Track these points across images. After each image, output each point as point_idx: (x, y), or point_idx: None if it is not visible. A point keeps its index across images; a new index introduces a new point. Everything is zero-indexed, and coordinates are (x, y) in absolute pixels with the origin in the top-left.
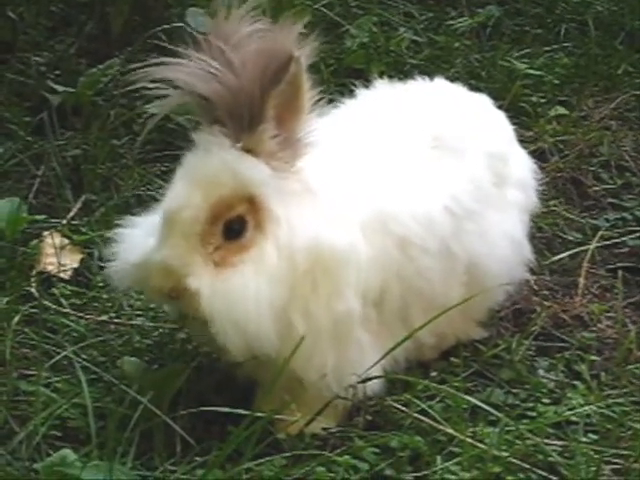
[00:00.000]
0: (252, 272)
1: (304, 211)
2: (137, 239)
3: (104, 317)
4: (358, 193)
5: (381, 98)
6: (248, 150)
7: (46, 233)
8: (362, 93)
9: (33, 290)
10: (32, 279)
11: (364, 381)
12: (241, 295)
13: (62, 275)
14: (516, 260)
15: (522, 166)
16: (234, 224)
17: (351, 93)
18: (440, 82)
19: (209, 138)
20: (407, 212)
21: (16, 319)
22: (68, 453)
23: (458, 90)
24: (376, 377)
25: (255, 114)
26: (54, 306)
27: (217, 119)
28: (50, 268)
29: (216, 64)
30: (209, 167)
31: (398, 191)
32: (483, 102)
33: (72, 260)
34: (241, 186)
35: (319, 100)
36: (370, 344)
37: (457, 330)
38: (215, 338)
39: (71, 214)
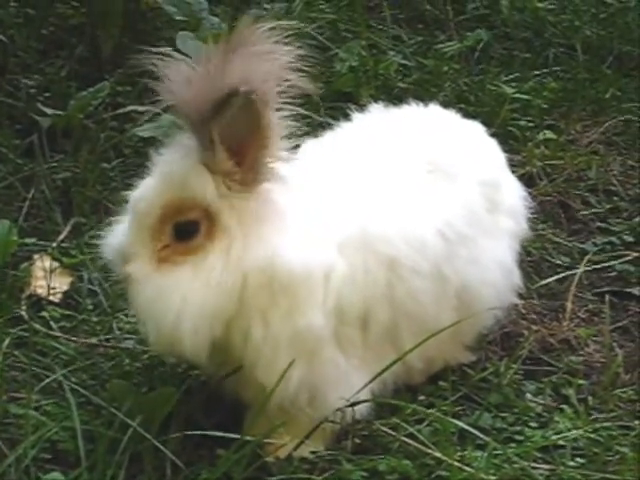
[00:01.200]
0: (188, 274)
1: (263, 231)
2: (116, 232)
3: (94, 340)
4: (339, 214)
5: (376, 122)
6: (206, 164)
7: (36, 256)
8: (357, 117)
9: (23, 313)
10: (22, 302)
11: (352, 405)
12: (169, 292)
13: (52, 298)
14: (506, 286)
15: (513, 193)
16: (185, 226)
17: (343, 116)
18: (434, 108)
19: (183, 142)
20: (396, 233)
21: (6, 342)
22: (57, 476)
23: (452, 117)
24: (364, 401)
25: (203, 137)
26: (44, 329)
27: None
28: (40, 291)
29: (181, 77)
30: (170, 168)
31: (387, 212)
32: (476, 129)
33: (62, 283)
34: (192, 195)
35: (298, 127)
36: (355, 367)
37: (446, 354)
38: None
39: (61, 237)
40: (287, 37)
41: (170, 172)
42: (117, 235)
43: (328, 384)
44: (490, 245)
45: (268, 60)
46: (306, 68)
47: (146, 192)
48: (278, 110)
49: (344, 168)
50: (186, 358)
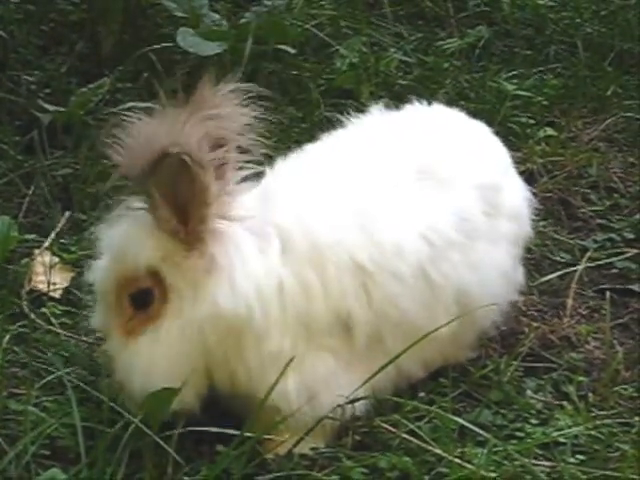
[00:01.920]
0: (149, 342)
1: (208, 285)
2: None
3: (94, 336)
4: (287, 227)
5: (374, 125)
6: (151, 227)
7: (37, 252)
8: (356, 120)
9: (25, 307)
10: (23, 298)
11: (351, 402)
12: (136, 364)
13: (53, 294)
14: (505, 289)
15: (516, 196)
16: (140, 295)
17: (342, 114)
18: (437, 108)
19: (125, 209)
20: (363, 240)
21: (6, 338)
22: (57, 472)
23: (456, 116)
24: (364, 398)
25: (145, 198)
26: (44, 325)
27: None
28: (41, 287)
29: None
30: (117, 240)
31: (363, 220)
32: (479, 130)
33: (63, 279)
34: (143, 260)
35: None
36: (344, 369)
37: (445, 355)
38: None
39: (56, 230)
40: (246, 99)
41: (115, 245)
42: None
43: (322, 384)
44: (489, 250)
45: (221, 123)
46: (262, 130)
47: (99, 272)
48: (221, 170)
49: (321, 176)
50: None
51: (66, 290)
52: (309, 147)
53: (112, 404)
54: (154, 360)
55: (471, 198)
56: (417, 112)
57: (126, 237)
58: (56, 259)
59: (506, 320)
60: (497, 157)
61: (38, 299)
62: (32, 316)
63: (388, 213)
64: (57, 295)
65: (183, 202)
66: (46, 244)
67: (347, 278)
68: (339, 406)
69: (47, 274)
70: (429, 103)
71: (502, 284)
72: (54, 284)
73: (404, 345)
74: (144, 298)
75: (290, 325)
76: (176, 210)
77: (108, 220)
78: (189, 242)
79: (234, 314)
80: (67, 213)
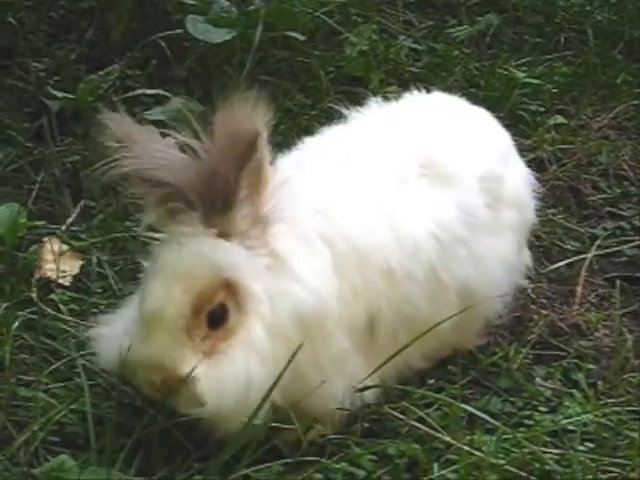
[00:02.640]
0: (242, 356)
1: (279, 283)
2: (115, 339)
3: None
4: (333, 229)
5: (371, 122)
6: (222, 234)
7: (45, 239)
8: (354, 116)
9: (33, 295)
10: (32, 285)
11: (361, 390)
12: (235, 381)
13: (61, 281)
14: (508, 279)
15: (519, 184)
16: (216, 313)
17: (351, 102)
18: (437, 96)
19: (181, 229)
20: (389, 243)
21: (15, 324)
22: (66, 459)
23: (454, 104)
24: (374, 386)
25: (229, 197)
26: (53, 312)
27: (181, 208)
28: (49, 274)
29: (178, 152)
30: (185, 261)
31: (380, 220)
32: (480, 116)
33: (72, 266)
34: (218, 273)
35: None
36: (361, 365)
37: (453, 342)
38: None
39: (70, 220)
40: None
41: (188, 264)
42: (116, 351)
43: (339, 374)
44: (491, 242)
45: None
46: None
47: (167, 297)
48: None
49: (337, 174)
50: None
51: (75, 277)
52: (310, 141)
53: (121, 389)
54: (253, 371)
55: (474, 191)
56: (416, 103)
57: (194, 255)
58: (65, 247)
59: (515, 307)
60: (498, 145)
61: (47, 286)
62: (41, 304)
63: (403, 213)
64: (66, 282)
65: (257, 190)
66: (58, 232)
67: (379, 280)
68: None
69: (56, 261)
70: (428, 91)
71: (505, 273)
72: (63, 272)
73: (411, 338)
74: (220, 315)
75: (345, 327)
76: (251, 200)
77: (160, 246)
78: (258, 237)
79: (314, 311)
80: (82, 202)
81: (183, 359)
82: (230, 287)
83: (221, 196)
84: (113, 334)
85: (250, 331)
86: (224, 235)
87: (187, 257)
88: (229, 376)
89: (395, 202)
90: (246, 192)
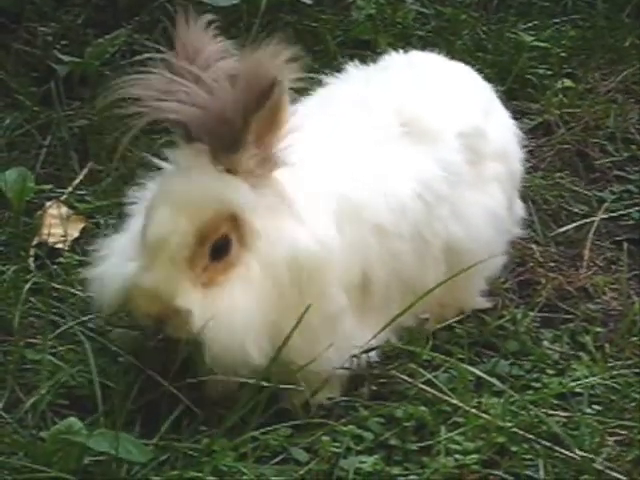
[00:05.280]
0: (239, 290)
1: (280, 223)
2: (115, 266)
3: None
4: (329, 185)
5: (351, 87)
6: (228, 170)
7: (48, 203)
8: (332, 81)
9: (30, 262)
10: (35, 249)
11: (366, 351)
12: (230, 314)
13: (60, 246)
14: (498, 233)
15: (502, 136)
16: (220, 244)
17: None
18: (416, 54)
19: (188, 158)
20: (380, 199)
21: (26, 287)
22: (74, 421)
23: (433, 62)
24: (379, 347)
25: (236, 139)
26: (60, 275)
27: (195, 138)
28: (52, 240)
29: (191, 85)
30: (192, 190)
31: (370, 179)
32: (459, 71)
33: (73, 229)
34: (224, 206)
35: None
36: (357, 324)
37: (458, 301)
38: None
39: (76, 182)
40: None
41: (195, 194)
42: (120, 277)
43: (346, 342)
44: (475, 198)
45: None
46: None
47: (172, 225)
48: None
49: (322, 135)
50: (245, 371)
51: (80, 240)
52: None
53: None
54: (249, 306)
55: (454, 148)
56: (395, 63)
57: (201, 186)
58: (70, 211)
59: (522, 270)
60: (479, 99)
61: (54, 250)
62: (36, 272)
63: (389, 172)
64: (66, 247)
65: (270, 132)
66: (64, 196)
67: (371, 237)
68: (354, 356)
69: (59, 226)
70: (405, 51)
71: (493, 228)
72: (63, 236)
73: (402, 297)
74: (222, 246)
75: (342, 285)
76: (262, 141)
77: (165, 173)
78: (264, 175)
79: (316, 259)
80: (89, 164)
81: (182, 290)
82: (234, 221)
83: (228, 137)
84: (112, 260)
85: (249, 267)
86: (231, 172)
87: (194, 188)
88: (224, 310)
89: (381, 161)
90: (255, 135)
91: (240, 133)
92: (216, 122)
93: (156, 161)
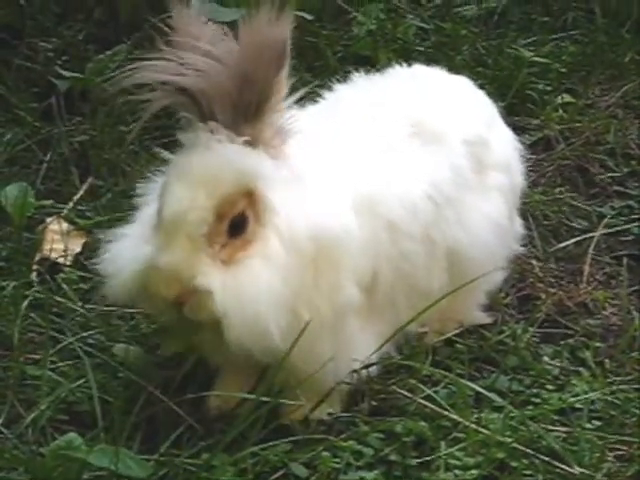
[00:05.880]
0: (260, 266)
1: (297, 198)
2: (129, 249)
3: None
4: (344, 177)
5: (359, 91)
6: (248, 142)
7: (49, 219)
8: (339, 87)
9: (33, 276)
10: (37, 265)
11: (366, 367)
12: (253, 290)
13: (62, 261)
14: (500, 243)
15: (504, 148)
16: (238, 220)
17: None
18: (419, 68)
19: (205, 135)
20: (394, 197)
21: (25, 304)
22: (74, 437)
23: (436, 74)
24: (378, 363)
25: (262, 103)
26: (59, 291)
27: (208, 115)
28: (54, 255)
29: (204, 58)
30: (211, 165)
31: (383, 177)
32: (462, 84)
33: (74, 245)
34: (245, 180)
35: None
36: (360, 328)
37: (458, 314)
38: (222, 336)
39: (76, 197)
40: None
41: (213, 169)
42: (137, 261)
43: (344, 349)
44: (477, 206)
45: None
46: None
47: (191, 202)
48: None
49: (332, 135)
50: (265, 352)
51: (81, 256)
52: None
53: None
54: (269, 282)
55: (461, 153)
56: (399, 74)
57: (220, 161)
58: (70, 226)
59: (523, 286)
60: (480, 111)
61: (55, 265)
62: (37, 287)
63: (402, 171)
64: (68, 262)
65: (280, 106)
66: (65, 211)
67: (384, 234)
68: (354, 371)
69: (60, 241)
70: (409, 65)
71: (495, 237)
72: (66, 250)
73: (407, 301)
74: (240, 223)
75: (355, 277)
76: (275, 115)
77: (180, 151)
78: (279, 147)
79: (333, 233)
80: (90, 179)
81: (202, 269)
82: (251, 196)
83: (255, 101)
84: (126, 246)
85: (267, 242)
86: (250, 143)
87: (213, 162)
88: (246, 287)
89: (392, 161)
90: (275, 99)
91: (265, 96)
92: (240, 89)
93: (164, 154)
